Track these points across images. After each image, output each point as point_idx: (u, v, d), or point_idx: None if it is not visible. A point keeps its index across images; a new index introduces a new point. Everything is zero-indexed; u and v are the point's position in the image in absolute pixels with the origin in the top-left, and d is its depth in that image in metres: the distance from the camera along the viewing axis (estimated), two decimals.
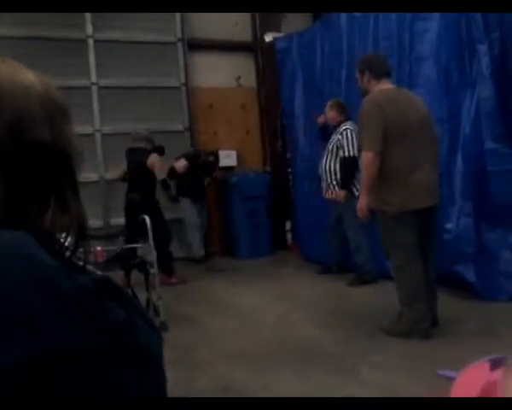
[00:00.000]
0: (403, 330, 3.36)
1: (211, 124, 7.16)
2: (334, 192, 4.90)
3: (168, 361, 0.62)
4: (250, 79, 7.38)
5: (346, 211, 4.77)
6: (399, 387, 2.73)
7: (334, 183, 4.92)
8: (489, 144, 4.01)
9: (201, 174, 6.39)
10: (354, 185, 4.80)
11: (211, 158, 6.56)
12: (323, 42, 5.67)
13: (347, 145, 4.80)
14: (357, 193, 4.55)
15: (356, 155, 4.69)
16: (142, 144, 5.41)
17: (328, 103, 5.03)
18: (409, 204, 3.27)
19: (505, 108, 3.96)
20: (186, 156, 6.00)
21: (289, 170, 6.66)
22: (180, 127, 6.89)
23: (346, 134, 4.83)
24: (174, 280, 5.33)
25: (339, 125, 4.94)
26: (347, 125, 4.87)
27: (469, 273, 3.97)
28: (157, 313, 3.84)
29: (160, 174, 5.49)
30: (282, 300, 4.57)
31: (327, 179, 5.00)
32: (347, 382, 2.84)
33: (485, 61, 3.98)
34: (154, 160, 5.29)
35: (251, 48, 7.30)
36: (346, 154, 4.81)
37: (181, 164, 5.82)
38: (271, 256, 6.38)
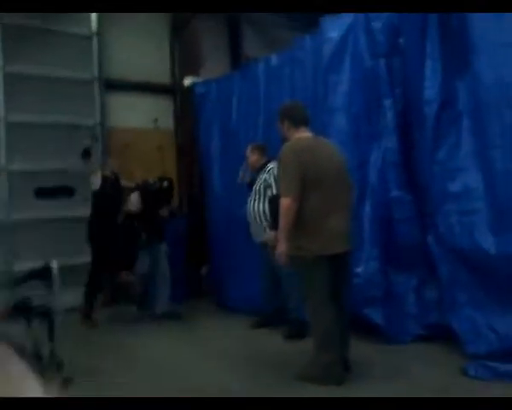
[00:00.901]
0: (316, 376, 3.37)
1: (126, 165, 7.05)
2: (265, 235, 4.56)
3: None
4: (167, 122, 7.40)
5: None
6: None
7: (265, 224, 4.63)
8: (394, 193, 4.25)
9: (155, 206, 5.62)
10: None
11: (165, 184, 5.83)
12: (241, 89, 5.83)
13: (276, 183, 4.48)
14: None
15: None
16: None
17: (249, 148, 4.99)
18: (325, 249, 3.35)
19: (408, 158, 4.22)
20: (136, 188, 5.61)
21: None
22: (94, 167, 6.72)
23: (273, 172, 4.59)
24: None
25: (263, 166, 4.84)
26: (273, 165, 4.65)
27: (377, 316, 4.11)
28: (60, 367, 3.49)
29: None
30: (194, 348, 4.46)
31: (257, 222, 4.75)
32: None
33: (390, 114, 4.25)
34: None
35: (169, 90, 7.35)
36: (275, 192, 4.47)
37: (133, 200, 5.51)
38: (185, 303, 6.06)
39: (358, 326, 3.97)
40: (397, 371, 3.56)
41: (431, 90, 3.85)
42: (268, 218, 4.59)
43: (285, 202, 3.34)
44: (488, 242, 3.48)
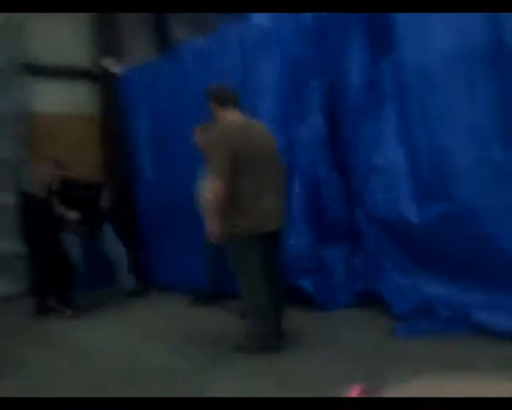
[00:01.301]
0: (252, 346, 3.49)
1: (45, 152, 6.79)
2: None
3: None
4: (91, 107, 7.19)
5: None
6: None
7: None
8: (322, 171, 4.46)
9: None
10: None
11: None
12: (169, 74, 5.81)
13: None
14: None
15: None
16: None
17: (197, 129, 4.80)
18: (257, 228, 3.44)
19: (334, 137, 4.44)
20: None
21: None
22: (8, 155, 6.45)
23: None
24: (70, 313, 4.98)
25: None
26: None
27: (309, 286, 4.31)
28: None
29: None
30: (130, 331, 4.42)
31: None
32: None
33: (317, 95, 4.44)
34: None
35: (92, 76, 7.15)
36: None
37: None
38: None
39: (292, 297, 4.13)
40: (330, 337, 3.74)
41: (357, 71, 4.08)
42: None
43: (215, 185, 3.35)
44: (411, 212, 3.75)
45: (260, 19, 4.74)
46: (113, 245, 5.65)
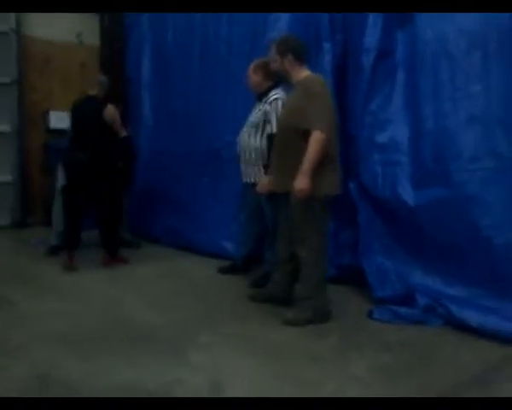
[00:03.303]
0: (308, 318, 3.35)
1: (45, 80, 6.61)
2: (258, 179, 3.93)
3: None
4: (93, 38, 6.94)
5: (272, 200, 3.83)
6: (226, 368, 2.75)
7: (260, 164, 3.94)
8: None
9: None
10: None
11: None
12: (175, 15, 5.53)
13: (278, 120, 3.72)
14: None
15: None
16: (95, 91, 4.68)
17: (252, 65, 4.09)
18: (333, 189, 3.35)
19: (341, 104, 4.24)
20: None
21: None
22: (6, 79, 6.24)
23: (276, 105, 3.85)
24: (119, 262, 4.75)
25: (266, 92, 4.00)
26: (278, 94, 3.91)
27: None
28: None
29: (122, 129, 4.81)
30: (114, 280, 4.31)
31: (249, 160, 4.03)
32: (176, 366, 2.75)
33: (328, 58, 4.22)
34: (113, 111, 4.60)
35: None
36: (275, 130, 3.73)
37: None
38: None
39: None
40: None
41: (371, 38, 3.84)
42: (263, 158, 3.90)
43: (319, 137, 3.16)
44: (408, 194, 3.62)
45: None
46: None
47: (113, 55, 6.66)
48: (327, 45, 4.22)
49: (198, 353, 2.92)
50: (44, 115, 6.58)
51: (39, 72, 6.57)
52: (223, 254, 4.88)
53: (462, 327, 3.20)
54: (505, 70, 3.22)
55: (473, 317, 3.15)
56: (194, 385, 2.53)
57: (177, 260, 5.03)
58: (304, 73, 3.41)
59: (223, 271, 4.56)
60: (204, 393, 2.46)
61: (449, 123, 3.46)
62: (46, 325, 3.27)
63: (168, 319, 3.44)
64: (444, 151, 3.48)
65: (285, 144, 3.40)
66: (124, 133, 4.85)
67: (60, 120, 6.37)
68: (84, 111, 4.62)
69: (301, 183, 3.19)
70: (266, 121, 3.89)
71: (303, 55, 3.43)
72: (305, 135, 3.21)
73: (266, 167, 3.79)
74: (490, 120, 3.28)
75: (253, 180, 4.03)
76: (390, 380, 2.63)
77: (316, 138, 3.16)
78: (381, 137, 3.84)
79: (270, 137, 3.76)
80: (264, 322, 3.40)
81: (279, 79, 3.91)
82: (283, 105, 3.76)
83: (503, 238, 3.16)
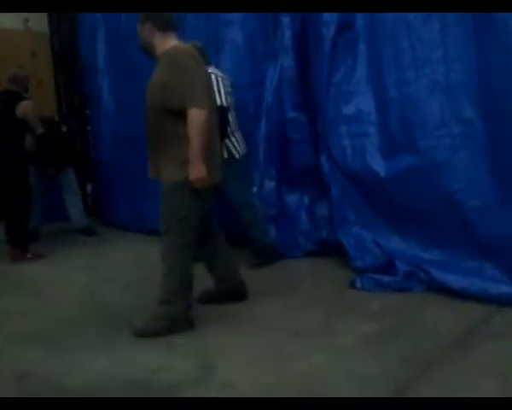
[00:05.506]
0: (162, 327, 2.97)
1: None
2: None
3: None
4: (41, 24, 6.65)
5: (227, 176, 3.59)
6: (211, 348, 2.81)
7: None
8: (290, 113, 4.28)
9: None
10: (229, 142, 4.02)
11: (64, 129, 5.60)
12: None
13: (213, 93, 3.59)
14: (234, 151, 4.06)
15: (225, 104, 3.90)
16: (12, 87, 4.58)
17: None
18: (212, 177, 2.94)
19: (304, 79, 4.24)
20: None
21: (89, 128, 6.23)
22: None
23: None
24: (29, 256, 4.67)
25: None
26: (211, 70, 3.86)
27: (271, 233, 4.24)
28: None
29: (38, 126, 4.67)
30: (85, 270, 4.31)
31: None
32: (157, 353, 2.79)
33: (287, 33, 4.18)
34: (27, 107, 4.51)
35: None
36: (219, 102, 3.78)
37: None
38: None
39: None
40: (288, 284, 3.74)
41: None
42: None
43: (201, 115, 2.77)
44: (378, 165, 3.67)
45: None
46: (71, 189, 5.47)
47: (65, 42, 6.43)
48: (286, 20, 4.17)
49: (182, 336, 2.95)
50: None
51: None
52: None
53: (444, 291, 3.29)
54: (464, 34, 3.25)
55: (454, 280, 3.24)
56: (182, 370, 2.58)
57: (145, 246, 4.92)
58: (169, 44, 2.94)
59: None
60: (194, 375, 2.51)
61: (413, 91, 3.50)
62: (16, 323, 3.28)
63: (144, 303, 3.35)
64: (410, 119, 3.52)
65: (154, 127, 2.97)
66: (40, 130, 4.72)
67: None
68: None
69: (197, 172, 2.79)
70: None
71: (166, 23, 2.96)
72: (177, 116, 2.82)
73: None
74: (453, 85, 3.33)
75: None
76: (376, 348, 2.72)
77: (195, 117, 2.76)
78: (347, 109, 3.86)
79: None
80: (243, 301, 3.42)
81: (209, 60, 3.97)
82: (217, 80, 3.88)
83: (476, 201, 3.23)
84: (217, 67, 4.25)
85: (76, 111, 6.45)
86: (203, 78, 2.91)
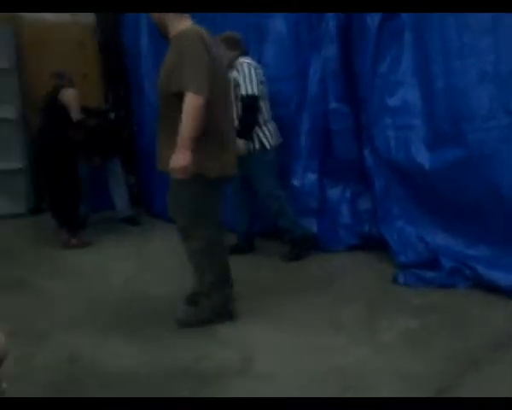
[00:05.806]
0: (204, 319, 3.02)
1: (43, 64, 6.48)
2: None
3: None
4: (87, 15, 6.76)
5: (256, 166, 4.00)
6: (253, 342, 2.83)
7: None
8: (333, 104, 4.22)
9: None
10: (261, 132, 4.02)
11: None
12: None
13: (244, 82, 3.88)
14: (265, 142, 4.05)
15: (256, 93, 3.92)
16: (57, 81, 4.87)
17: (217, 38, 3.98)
18: (226, 170, 2.88)
19: (348, 69, 4.18)
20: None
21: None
22: (5, 65, 6.16)
23: (243, 69, 3.92)
24: (76, 242, 4.83)
25: (232, 61, 3.95)
26: (246, 59, 4.00)
27: (313, 226, 4.23)
28: None
29: (77, 113, 4.85)
30: (129, 259, 4.41)
31: None
32: (199, 343, 2.84)
33: (332, 23, 4.12)
34: (70, 94, 4.76)
35: None
36: (244, 92, 3.88)
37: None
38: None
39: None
40: (330, 279, 3.71)
41: None
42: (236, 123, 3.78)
43: (194, 101, 2.62)
44: (423, 157, 3.59)
45: None
46: (117, 179, 5.57)
47: (109, 31, 6.53)
48: None
49: (224, 327, 2.99)
50: None
51: (36, 55, 6.46)
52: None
53: (490, 288, 3.21)
54: None
55: (501, 277, 3.16)
56: (223, 360, 2.62)
57: None
58: (182, 26, 2.81)
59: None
60: (235, 365, 2.56)
61: (460, 82, 3.40)
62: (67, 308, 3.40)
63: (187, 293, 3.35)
64: (457, 111, 3.43)
65: (166, 114, 2.85)
66: (77, 117, 4.83)
67: None
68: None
69: (179, 159, 2.65)
70: (236, 86, 3.86)
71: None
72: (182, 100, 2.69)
73: (238, 133, 3.54)
74: (502, 75, 3.23)
75: None
76: (419, 345, 2.69)
77: (189, 102, 2.63)
78: (392, 101, 3.78)
79: (243, 99, 3.86)
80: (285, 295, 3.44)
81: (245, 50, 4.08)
82: (249, 69, 3.88)
83: None
84: (260, 57, 4.25)
85: (123, 101, 6.55)
86: (207, 63, 2.70)
